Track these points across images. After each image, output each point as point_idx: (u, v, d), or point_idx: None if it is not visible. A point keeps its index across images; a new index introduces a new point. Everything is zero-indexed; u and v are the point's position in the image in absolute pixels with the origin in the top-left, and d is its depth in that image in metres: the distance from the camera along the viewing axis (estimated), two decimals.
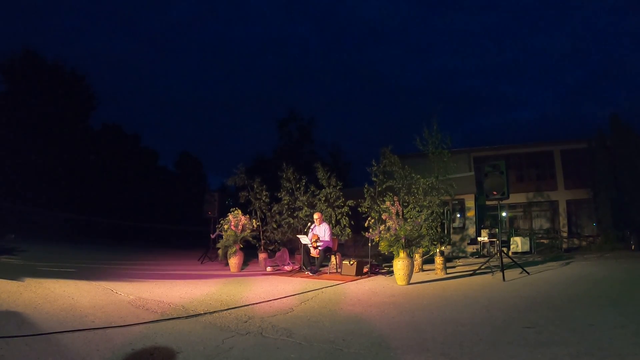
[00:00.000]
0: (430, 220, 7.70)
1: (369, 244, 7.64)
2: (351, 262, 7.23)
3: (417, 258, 7.74)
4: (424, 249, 7.76)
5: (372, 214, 7.75)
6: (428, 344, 2.78)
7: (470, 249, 13.60)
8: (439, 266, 7.41)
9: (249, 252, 8.93)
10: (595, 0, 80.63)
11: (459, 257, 12.21)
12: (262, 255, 9.34)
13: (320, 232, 7.73)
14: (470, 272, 7.28)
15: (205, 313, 3.77)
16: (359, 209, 8.70)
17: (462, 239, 14.22)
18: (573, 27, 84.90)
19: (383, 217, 6.52)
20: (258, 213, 9.72)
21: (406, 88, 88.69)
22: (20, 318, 3.19)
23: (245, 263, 8.51)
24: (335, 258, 7.87)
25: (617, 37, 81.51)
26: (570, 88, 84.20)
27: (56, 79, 21.30)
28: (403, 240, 6.10)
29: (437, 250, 7.61)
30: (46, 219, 16.88)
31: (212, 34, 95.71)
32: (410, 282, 6.07)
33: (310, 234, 7.75)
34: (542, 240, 15.53)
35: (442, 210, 8.60)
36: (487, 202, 12.90)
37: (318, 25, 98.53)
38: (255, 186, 9.80)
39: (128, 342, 2.71)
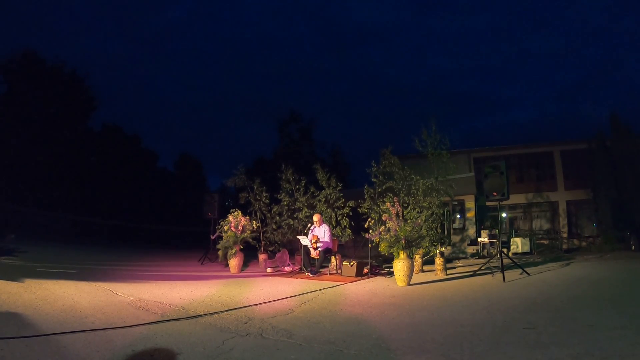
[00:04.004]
0: (430, 221, 7.69)
1: (369, 245, 7.64)
2: (351, 263, 7.22)
3: (417, 259, 7.74)
4: (424, 250, 7.76)
5: (372, 215, 7.76)
6: (428, 345, 2.78)
7: (471, 249, 13.59)
8: (439, 267, 7.41)
9: (249, 253, 8.92)
10: (592, 0, 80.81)
11: (459, 258, 12.21)
12: (262, 257, 9.34)
13: (320, 233, 7.72)
14: (471, 273, 7.28)
15: (205, 314, 3.76)
16: (359, 209, 8.71)
17: (462, 240, 14.22)
18: (569, 26, 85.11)
19: (383, 218, 6.52)
20: (258, 214, 9.72)
21: (406, 89, 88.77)
22: (20, 319, 3.19)
23: (245, 264, 8.51)
24: (335, 259, 7.87)
25: (613, 36, 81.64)
26: (567, 88, 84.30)
27: (56, 79, 21.30)
28: (403, 241, 6.09)
29: (437, 251, 7.61)
30: (46, 219, 16.87)
31: (212, 35, 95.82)
32: (411, 283, 6.07)
33: (310, 235, 7.75)
34: (542, 241, 15.53)
35: (442, 211, 8.60)
36: (487, 203, 12.90)
37: (317, 27, 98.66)
38: (255, 187, 9.81)
39: (128, 343, 2.71)
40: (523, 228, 18.06)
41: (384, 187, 8.51)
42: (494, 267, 7.34)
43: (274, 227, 9.78)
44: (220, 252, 8.12)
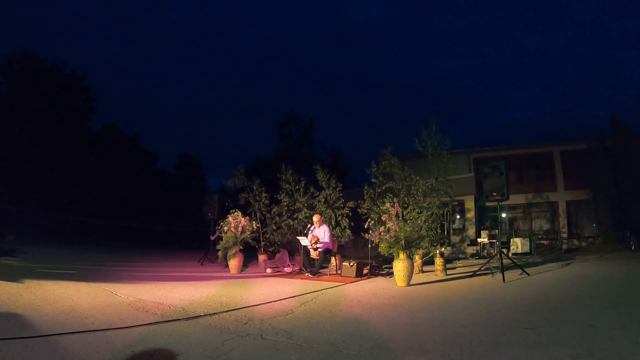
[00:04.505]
0: (430, 222, 7.70)
1: (369, 246, 7.64)
2: (351, 264, 7.22)
3: (417, 259, 7.73)
4: (423, 250, 7.76)
5: (372, 216, 7.76)
6: (428, 346, 2.78)
7: (470, 250, 13.60)
8: (439, 267, 7.41)
9: (249, 253, 8.92)
10: (590, 0, 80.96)
11: (459, 259, 12.21)
12: (262, 257, 9.33)
13: (320, 233, 7.72)
14: (470, 273, 7.28)
15: (205, 315, 3.76)
16: (359, 210, 8.71)
17: (462, 240, 14.22)
18: (569, 27, 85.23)
19: (383, 218, 6.52)
20: (258, 215, 9.72)
21: (405, 89, 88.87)
22: (20, 320, 3.19)
23: (245, 265, 8.50)
24: (335, 259, 7.87)
25: (613, 36, 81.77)
26: (567, 88, 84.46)
27: (56, 80, 21.33)
28: (403, 242, 6.09)
29: (437, 251, 7.61)
30: (46, 220, 16.86)
31: (211, 36, 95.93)
32: (410, 283, 6.07)
33: (310, 236, 7.74)
34: (542, 242, 15.54)
35: (441, 212, 8.61)
36: (487, 203, 12.89)
37: (316, 27, 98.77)
38: (254, 188, 9.81)
39: (128, 344, 2.71)
40: (523, 228, 18.07)
41: (383, 187, 8.51)
42: (494, 267, 7.33)
43: (274, 227, 9.78)
44: (220, 253, 8.11)
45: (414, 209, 7.90)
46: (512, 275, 6.61)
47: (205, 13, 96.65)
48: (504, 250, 8.73)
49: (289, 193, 9.91)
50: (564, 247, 15.19)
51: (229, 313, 3.89)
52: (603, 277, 6.74)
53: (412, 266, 6.14)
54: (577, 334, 2.94)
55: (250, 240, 8.41)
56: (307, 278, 7.03)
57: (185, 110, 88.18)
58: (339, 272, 7.58)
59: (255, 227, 8.67)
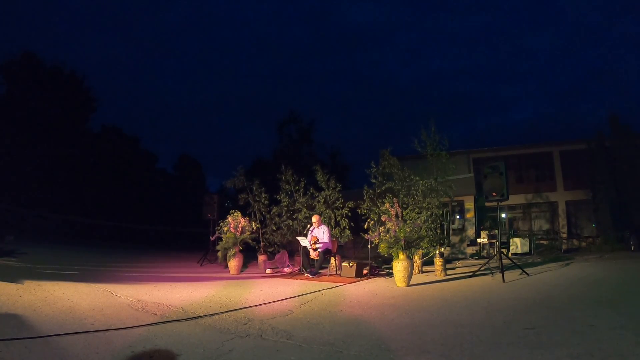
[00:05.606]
0: (429, 222, 7.70)
1: (369, 246, 7.63)
2: (351, 264, 7.22)
3: (417, 260, 7.73)
4: (423, 251, 7.76)
5: (372, 216, 7.76)
6: (428, 346, 2.78)
7: (470, 250, 13.60)
8: (438, 268, 7.41)
9: (249, 254, 8.91)
10: (590, 0, 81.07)
11: (458, 259, 12.21)
12: (261, 258, 9.33)
13: (319, 234, 7.72)
14: (470, 274, 7.28)
15: (204, 315, 3.76)
16: (359, 210, 8.71)
17: (462, 241, 14.22)
18: (568, 26, 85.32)
19: (382, 218, 6.52)
20: (257, 215, 9.71)
21: (404, 90, 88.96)
22: (20, 320, 3.19)
23: (244, 265, 8.50)
24: (335, 260, 7.86)
25: (612, 36, 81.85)
26: (566, 88, 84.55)
27: (55, 81, 21.32)
28: (402, 242, 6.09)
29: (437, 251, 7.60)
30: (45, 221, 16.84)
31: (211, 37, 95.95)
32: (410, 283, 6.06)
33: (309, 236, 7.74)
34: (541, 242, 15.54)
35: (441, 212, 8.60)
36: (487, 204, 12.89)
37: (315, 29, 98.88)
38: (254, 188, 9.81)
39: (128, 344, 2.71)
40: (522, 228, 18.08)
41: (383, 187, 8.51)
42: (494, 267, 7.34)
43: (274, 228, 9.77)
44: (219, 254, 8.10)
45: (414, 210, 7.90)
46: (512, 275, 6.62)
47: (205, 14, 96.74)
48: (504, 251, 8.73)
49: (289, 193, 9.91)
50: (564, 247, 15.19)
51: (228, 314, 3.89)
52: (603, 277, 6.74)
53: (411, 266, 6.14)
54: (577, 334, 2.94)
55: (250, 241, 8.41)
56: (307, 278, 7.03)
57: (185, 111, 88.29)
58: (338, 272, 7.58)
59: (254, 228, 8.67)
